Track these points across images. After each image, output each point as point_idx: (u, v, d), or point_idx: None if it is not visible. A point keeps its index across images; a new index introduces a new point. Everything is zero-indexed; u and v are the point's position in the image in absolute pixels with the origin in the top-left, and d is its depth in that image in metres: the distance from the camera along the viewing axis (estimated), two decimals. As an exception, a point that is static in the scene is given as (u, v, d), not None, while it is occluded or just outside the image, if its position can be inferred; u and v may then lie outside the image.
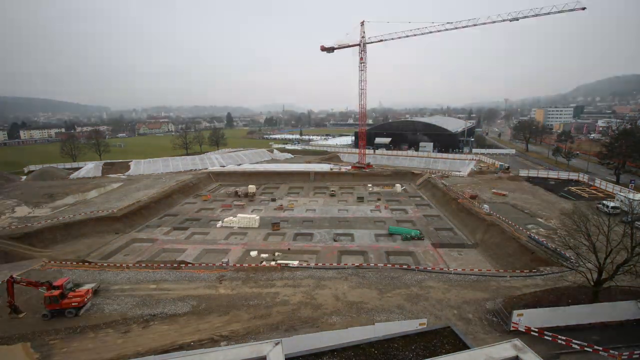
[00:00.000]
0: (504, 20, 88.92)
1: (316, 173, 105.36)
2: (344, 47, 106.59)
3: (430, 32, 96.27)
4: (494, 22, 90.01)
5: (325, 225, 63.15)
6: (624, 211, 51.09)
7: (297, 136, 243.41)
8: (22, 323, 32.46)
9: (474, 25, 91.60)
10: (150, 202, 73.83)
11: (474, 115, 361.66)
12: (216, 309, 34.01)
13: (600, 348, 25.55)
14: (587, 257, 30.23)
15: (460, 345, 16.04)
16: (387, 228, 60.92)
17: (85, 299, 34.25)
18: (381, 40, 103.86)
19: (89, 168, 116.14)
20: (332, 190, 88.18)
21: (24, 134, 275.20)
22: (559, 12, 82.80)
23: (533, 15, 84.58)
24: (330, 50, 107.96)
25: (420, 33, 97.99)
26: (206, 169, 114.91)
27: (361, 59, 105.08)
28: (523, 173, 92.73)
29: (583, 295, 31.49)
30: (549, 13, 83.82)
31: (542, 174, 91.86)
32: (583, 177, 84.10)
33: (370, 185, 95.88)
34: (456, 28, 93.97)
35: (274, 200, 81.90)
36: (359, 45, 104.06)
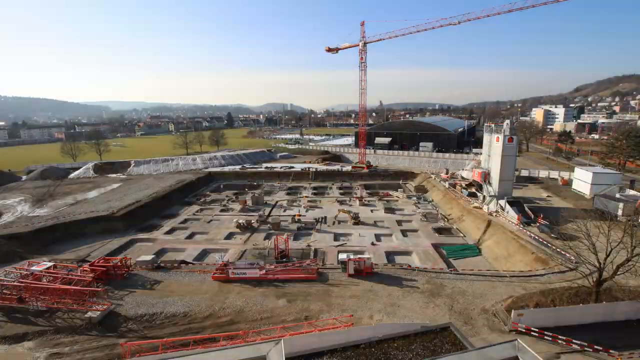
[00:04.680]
0: (499, 13, 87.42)
1: (316, 172, 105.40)
2: (346, 48, 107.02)
3: (426, 30, 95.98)
4: (488, 15, 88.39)
5: (326, 225, 63.09)
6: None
7: (298, 136, 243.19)
8: (21, 322, 32.50)
9: (468, 20, 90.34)
10: (150, 201, 73.80)
11: (474, 115, 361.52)
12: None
13: (601, 348, 25.55)
14: (587, 257, 30.24)
15: (460, 346, 16.04)
16: (388, 227, 60.93)
17: None
18: (380, 40, 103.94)
19: (89, 168, 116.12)
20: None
21: (24, 134, 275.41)
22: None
23: (530, 6, 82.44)
24: (334, 51, 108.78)
25: (416, 31, 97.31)
26: (206, 168, 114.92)
27: (361, 58, 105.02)
28: (524, 173, 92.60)
29: (583, 295, 31.50)
30: (545, 3, 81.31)
31: (543, 174, 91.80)
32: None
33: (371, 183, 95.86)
34: (450, 24, 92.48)
35: (273, 200, 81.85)
36: (359, 45, 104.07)
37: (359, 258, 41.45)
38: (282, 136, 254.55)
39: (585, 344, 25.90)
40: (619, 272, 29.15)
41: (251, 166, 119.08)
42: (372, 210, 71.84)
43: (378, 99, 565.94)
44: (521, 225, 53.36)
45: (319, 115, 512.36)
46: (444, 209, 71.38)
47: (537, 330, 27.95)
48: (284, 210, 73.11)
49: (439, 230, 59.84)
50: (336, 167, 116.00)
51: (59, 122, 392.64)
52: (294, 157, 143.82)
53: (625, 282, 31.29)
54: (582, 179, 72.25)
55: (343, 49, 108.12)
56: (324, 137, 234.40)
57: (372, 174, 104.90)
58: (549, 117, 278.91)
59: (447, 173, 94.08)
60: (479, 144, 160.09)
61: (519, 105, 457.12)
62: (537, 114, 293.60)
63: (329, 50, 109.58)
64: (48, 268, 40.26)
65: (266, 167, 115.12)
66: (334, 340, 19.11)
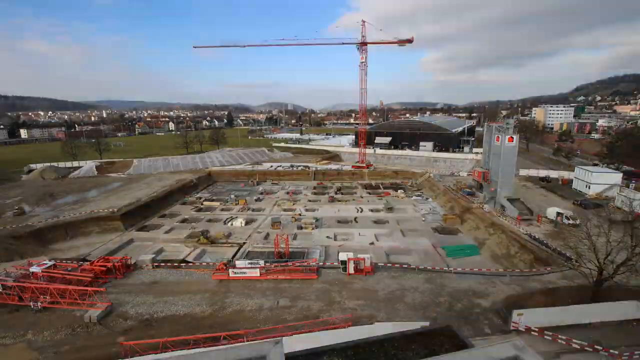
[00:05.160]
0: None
1: (316, 172, 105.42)
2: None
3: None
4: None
5: (325, 224, 63.15)
6: None
7: (298, 135, 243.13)
8: (22, 321, 32.53)
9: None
10: (150, 201, 73.79)
11: (474, 114, 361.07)
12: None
13: (601, 348, 25.53)
14: (587, 257, 30.21)
15: (460, 345, 16.00)
16: (388, 227, 60.96)
17: None
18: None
19: (89, 167, 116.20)
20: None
21: (24, 133, 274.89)
22: None
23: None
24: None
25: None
26: (207, 168, 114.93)
27: (362, 58, 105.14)
28: (523, 172, 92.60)
29: (583, 295, 31.49)
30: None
31: (542, 173, 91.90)
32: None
33: (371, 183, 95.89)
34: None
35: (272, 199, 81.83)
36: (360, 44, 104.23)
37: (359, 257, 41.45)
38: (282, 135, 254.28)
39: (585, 343, 25.90)
40: (619, 272, 29.14)
41: (251, 165, 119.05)
42: (372, 210, 71.82)
43: (378, 99, 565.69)
44: (521, 225, 53.37)
45: (319, 115, 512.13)
46: (444, 209, 71.35)
47: (537, 329, 27.96)
48: (283, 210, 73.09)
49: (439, 230, 59.82)
50: (336, 166, 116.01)
51: (60, 121, 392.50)
52: (294, 157, 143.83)
53: (625, 282, 31.25)
54: (583, 179, 72.30)
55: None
56: (324, 137, 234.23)
57: (372, 174, 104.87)
58: (549, 116, 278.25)
59: (448, 172, 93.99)
60: (479, 143, 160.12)
61: (519, 104, 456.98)
62: (538, 114, 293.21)
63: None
64: (48, 267, 40.28)
65: (266, 167, 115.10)
66: (334, 340, 19.08)
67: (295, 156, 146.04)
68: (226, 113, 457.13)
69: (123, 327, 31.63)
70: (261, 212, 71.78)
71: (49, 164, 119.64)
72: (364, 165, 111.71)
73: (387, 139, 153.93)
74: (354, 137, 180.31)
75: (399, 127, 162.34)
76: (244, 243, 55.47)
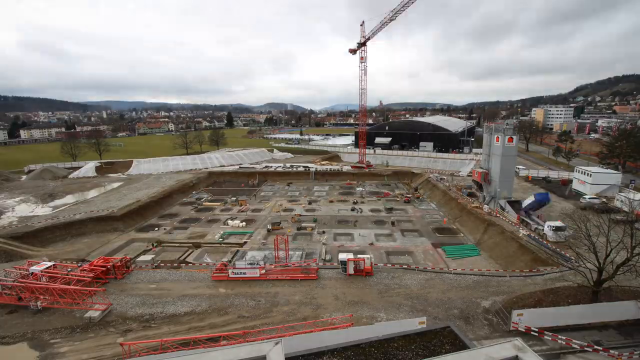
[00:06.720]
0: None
1: (316, 172, 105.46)
2: (358, 49, 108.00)
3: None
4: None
5: (326, 225, 63.13)
6: None
7: (298, 136, 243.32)
8: (22, 321, 32.51)
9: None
10: (150, 201, 73.78)
11: (474, 115, 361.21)
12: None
13: (600, 348, 25.56)
14: (587, 257, 30.23)
15: (460, 345, 16.02)
16: (387, 227, 60.96)
17: None
18: (370, 39, 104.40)
19: (89, 167, 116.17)
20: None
21: (24, 133, 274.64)
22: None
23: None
24: (353, 52, 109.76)
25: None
26: (206, 168, 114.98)
27: (362, 58, 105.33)
28: (523, 173, 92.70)
29: (583, 295, 31.52)
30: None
31: (542, 173, 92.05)
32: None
33: (371, 184, 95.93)
34: None
35: (272, 199, 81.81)
36: (360, 44, 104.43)
37: (359, 258, 41.45)
38: (282, 136, 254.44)
39: (585, 343, 25.91)
40: (618, 272, 29.15)
41: (251, 166, 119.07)
42: (371, 210, 71.83)
43: (378, 99, 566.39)
44: (521, 225, 53.37)
45: (319, 115, 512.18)
46: (444, 209, 71.36)
47: (537, 330, 27.97)
48: (283, 210, 73.06)
49: (439, 230, 59.83)
50: (336, 167, 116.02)
51: (60, 122, 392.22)
52: (293, 157, 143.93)
53: (625, 282, 31.28)
54: (582, 179, 72.31)
55: (358, 49, 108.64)
56: (323, 137, 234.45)
57: (372, 174, 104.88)
58: (548, 117, 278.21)
59: (449, 172, 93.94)
60: (479, 143, 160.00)
61: (519, 105, 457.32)
62: (537, 114, 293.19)
63: (351, 51, 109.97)
64: (48, 268, 40.27)
65: (266, 167, 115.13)
66: (334, 340, 19.06)
67: (295, 156, 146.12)
68: (226, 113, 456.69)
69: (123, 327, 31.61)
70: (261, 213, 71.78)
71: (48, 165, 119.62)
72: (364, 165, 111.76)
73: (387, 139, 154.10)
74: (353, 137, 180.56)
75: (399, 128, 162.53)
76: (244, 243, 55.49)
